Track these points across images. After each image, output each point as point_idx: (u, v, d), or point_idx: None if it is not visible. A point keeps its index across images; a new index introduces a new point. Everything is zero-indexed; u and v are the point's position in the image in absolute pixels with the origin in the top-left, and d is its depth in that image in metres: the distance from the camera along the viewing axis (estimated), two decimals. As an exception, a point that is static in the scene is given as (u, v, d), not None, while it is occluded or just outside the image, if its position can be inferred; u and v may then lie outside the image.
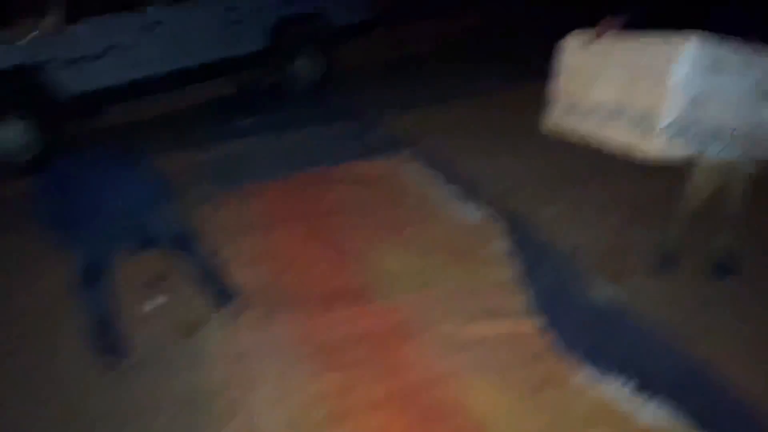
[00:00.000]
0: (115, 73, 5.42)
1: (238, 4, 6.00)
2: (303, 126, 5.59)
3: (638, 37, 2.47)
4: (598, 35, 2.62)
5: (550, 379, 2.46)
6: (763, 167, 2.53)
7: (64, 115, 5.32)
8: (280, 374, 2.60)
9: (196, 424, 2.41)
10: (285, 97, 6.54)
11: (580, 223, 3.55)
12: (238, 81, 6.80)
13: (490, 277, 3.15)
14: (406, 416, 2.34)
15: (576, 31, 2.76)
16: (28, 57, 4.92)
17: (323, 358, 2.67)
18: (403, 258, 3.32)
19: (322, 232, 3.66)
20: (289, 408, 2.42)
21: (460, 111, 5.56)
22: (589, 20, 2.71)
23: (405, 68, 7.33)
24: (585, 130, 2.67)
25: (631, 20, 2.59)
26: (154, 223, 2.68)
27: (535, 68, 3.04)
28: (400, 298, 3.01)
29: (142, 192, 2.65)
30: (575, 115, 2.72)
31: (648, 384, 2.37)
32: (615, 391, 2.38)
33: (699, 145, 2.33)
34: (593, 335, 2.68)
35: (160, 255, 2.88)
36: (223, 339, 2.85)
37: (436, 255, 3.34)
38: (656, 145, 2.30)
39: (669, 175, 2.91)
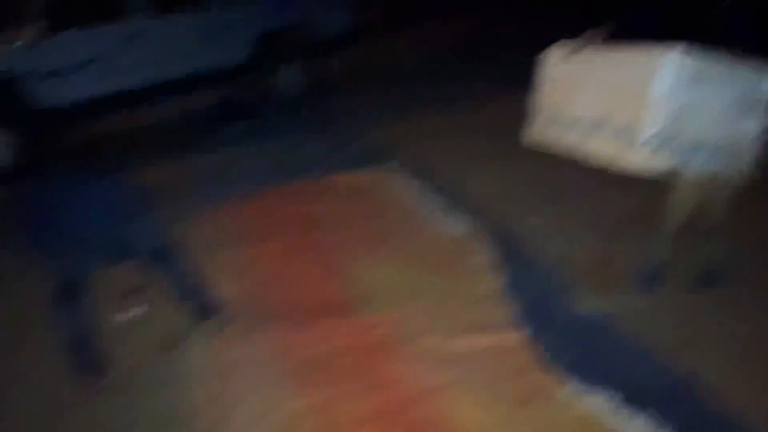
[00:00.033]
0: (97, 84, 5.37)
1: (222, 15, 5.98)
2: (287, 137, 5.56)
3: (621, 48, 2.47)
4: (581, 46, 2.61)
5: (537, 393, 2.44)
6: (744, 179, 2.52)
7: (45, 127, 5.25)
8: (263, 391, 2.55)
9: (176, 443, 2.36)
10: (269, 108, 6.51)
11: (565, 234, 3.56)
12: (221, 93, 6.76)
13: (475, 289, 3.13)
14: (392, 432, 2.30)
15: (559, 42, 2.76)
16: (8, 67, 4.86)
17: (307, 373, 2.63)
18: (387, 271, 3.29)
19: (306, 245, 3.63)
20: (272, 425, 2.37)
21: (444, 122, 5.56)
22: (573, 31, 2.71)
23: (389, 79, 7.33)
24: (567, 143, 2.66)
25: (615, 31, 2.59)
26: (132, 237, 2.64)
27: (520, 78, 3.04)
28: (384, 311, 2.98)
29: (118, 205, 2.61)
30: (557, 127, 2.71)
31: (635, 396, 2.35)
32: (602, 404, 2.36)
33: (681, 157, 2.32)
34: (579, 347, 2.67)
35: (138, 268, 2.82)
36: (204, 355, 2.79)
37: (421, 267, 3.32)
38: (639, 157, 2.29)
39: (652, 186, 2.91)
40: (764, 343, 2.60)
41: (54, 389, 2.64)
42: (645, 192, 3.15)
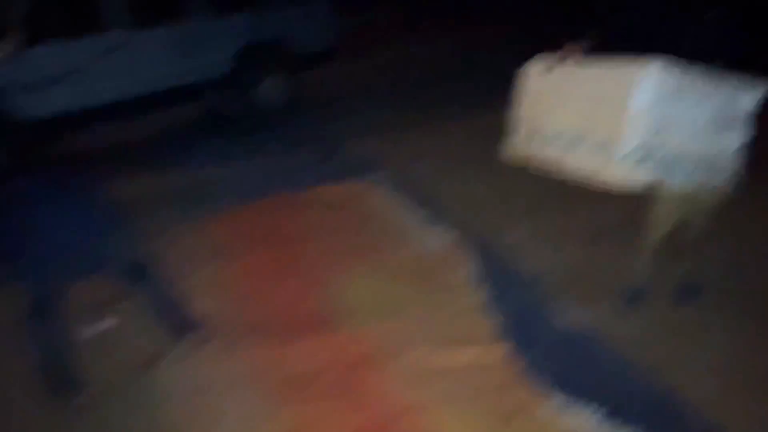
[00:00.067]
0: (75, 98, 5.29)
1: (202, 29, 5.95)
2: (268, 151, 5.53)
3: (601, 62, 2.47)
4: (561, 60, 2.61)
5: (520, 409, 2.42)
6: (724, 193, 2.52)
7: (22, 140, 5.16)
8: (244, 410, 2.50)
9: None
10: (250, 121, 6.47)
11: (546, 248, 3.56)
12: (201, 106, 6.72)
13: (458, 303, 3.11)
14: (374, 451, 2.27)
15: (539, 56, 2.76)
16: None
17: (288, 391, 2.58)
18: (369, 285, 3.27)
19: (287, 259, 3.59)
20: (252, 445, 2.33)
21: (426, 135, 5.57)
22: (554, 44, 2.72)
23: (371, 93, 7.34)
24: (547, 157, 2.65)
25: (595, 45, 2.59)
26: (107, 252, 2.59)
27: (502, 91, 3.04)
28: (366, 327, 2.95)
29: (94, 220, 2.57)
30: (537, 142, 2.70)
31: (617, 411, 2.34)
32: (585, 420, 2.34)
33: (661, 172, 2.31)
34: (562, 362, 2.66)
35: (110, 281, 2.76)
36: (183, 372, 2.73)
37: (403, 282, 3.30)
38: (618, 172, 2.29)
39: (631, 197, 2.92)
40: (744, 356, 2.61)
41: (28, 409, 2.56)
42: (625, 203, 3.16)
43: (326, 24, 6.95)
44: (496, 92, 3.80)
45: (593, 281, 3.19)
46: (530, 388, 2.52)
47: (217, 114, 6.79)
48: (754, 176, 2.62)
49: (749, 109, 2.33)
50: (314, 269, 3.47)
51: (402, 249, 3.65)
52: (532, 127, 2.74)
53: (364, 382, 2.62)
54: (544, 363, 2.63)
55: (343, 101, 7.09)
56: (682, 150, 2.31)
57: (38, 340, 2.49)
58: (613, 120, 2.30)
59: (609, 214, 3.67)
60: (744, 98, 2.32)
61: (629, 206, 3.03)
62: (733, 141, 2.37)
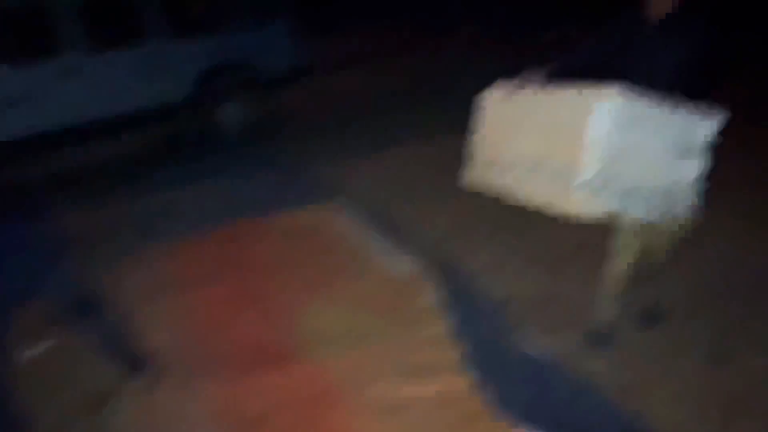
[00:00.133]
0: (29, 123, 5.14)
1: (161, 51, 5.85)
2: (229, 176, 5.44)
3: (559, 89, 2.44)
4: (519, 87, 2.59)
5: (487, 442, 2.36)
6: (685, 223, 2.51)
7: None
8: (199, 451, 2.39)
9: None
10: (212, 146, 6.37)
11: (511, 273, 3.55)
12: (161, 131, 6.59)
13: (423, 332, 3.05)
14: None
15: (497, 83, 2.74)
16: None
17: (247, 429, 2.47)
18: (332, 315, 3.18)
19: (247, 290, 3.48)
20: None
21: (390, 160, 5.55)
22: (514, 70, 2.70)
23: (335, 117, 7.32)
24: (505, 185, 2.61)
25: (554, 71, 2.58)
26: (48, 288, 2.45)
27: (467, 115, 3.02)
28: (329, 359, 2.85)
29: (37, 253, 2.44)
30: (495, 169, 2.66)
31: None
32: (552, 452, 2.30)
33: (619, 201, 2.27)
34: (528, 391, 2.62)
35: (47, 309, 2.61)
36: (135, 412, 2.60)
37: (367, 310, 3.22)
38: (575, 201, 2.24)
39: (595, 224, 2.92)
40: (711, 381, 2.61)
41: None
42: (588, 229, 3.16)
43: (290, 46, 6.93)
44: (462, 115, 3.79)
45: (558, 307, 3.18)
46: (497, 420, 2.46)
47: (177, 139, 6.67)
48: (715, 202, 2.64)
49: (707, 139, 2.32)
50: (274, 300, 3.37)
51: (365, 277, 3.58)
52: (491, 155, 2.71)
53: (327, 417, 2.52)
54: (510, 393, 2.58)
55: (306, 125, 7.06)
56: (639, 179, 2.28)
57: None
58: (570, 148, 2.26)
59: (573, 238, 3.67)
60: (702, 127, 2.31)
61: (593, 231, 3.03)
62: (691, 170, 2.34)
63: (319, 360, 2.86)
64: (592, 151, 2.20)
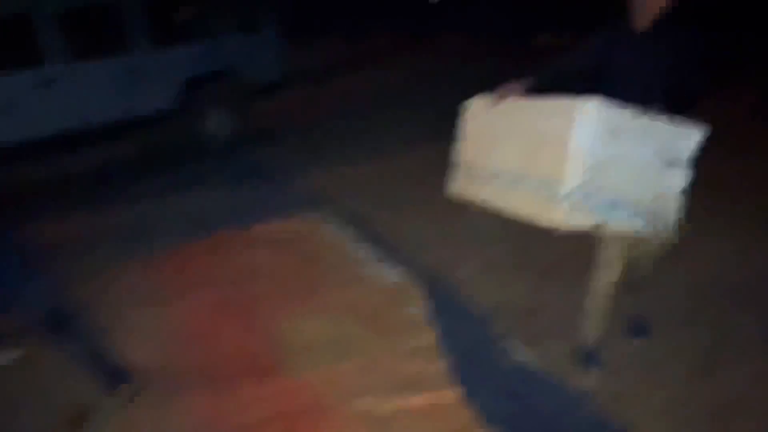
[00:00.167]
0: (8, 132, 5.06)
1: (144, 60, 5.80)
2: (213, 186, 5.38)
3: (540, 100, 2.43)
4: (500, 98, 2.57)
5: (475, 455, 2.33)
6: (670, 235, 2.49)
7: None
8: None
9: None
10: (196, 155, 6.31)
11: (496, 282, 3.53)
12: (144, 141, 6.53)
13: (409, 343, 3.02)
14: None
15: (479, 94, 2.72)
16: None
17: (230, 445, 2.43)
18: (317, 326, 3.14)
19: (231, 301, 3.43)
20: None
21: (376, 170, 5.53)
22: (501, 77, 2.68)
23: (319, 126, 7.29)
24: (487, 197, 2.59)
25: (538, 80, 2.56)
26: (24, 298, 2.38)
27: (451, 124, 3.01)
28: (314, 371, 2.82)
29: (10, 265, 2.37)
30: (478, 181, 2.64)
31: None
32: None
33: (602, 214, 2.25)
34: (514, 403, 2.60)
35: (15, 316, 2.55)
36: (116, 428, 2.54)
37: (352, 322, 3.19)
38: (558, 213, 2.22)
39: (580, 234, 2.91)
40: (696, 390, 2.60)
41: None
42: (574, 238, 3.15)
43: (274, 55, 6.91)
44: (448, 122, 3.78)
45: (545, 317, 3.16)
46: (484, 433, 2.44)
47: (160, 148, 6.61)
48: (701, 213, 2.63)
49: (689, 152, 2.32)
50: (258, 311, 3.32)
51: (351, 286, 3.55)
52: (473, 165, 2.69)
53: (313, 431, 2.48)
54: (497, 405, 2.56)
55: (291, 133, 7.02)
56: (623, 190, 2.26)
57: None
58: (553, 159, 2.25)
59: (560, 247, 3.66)
60: (684, 141, 2.30)
61: (580, 239, 3.02)
62: (676, 183, 2.34)
63: (305, 372, 2.82)
64: (575, 162, 2.18)
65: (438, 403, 2.60)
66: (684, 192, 2.37)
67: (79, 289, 2.86)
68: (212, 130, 6.49)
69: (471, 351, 2.95)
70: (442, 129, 3.46)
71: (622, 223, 2.32)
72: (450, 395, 2.64)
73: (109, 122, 5.68)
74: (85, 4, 5.43)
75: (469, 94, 2.82)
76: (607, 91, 2.27)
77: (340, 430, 2.48)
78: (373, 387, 2.70)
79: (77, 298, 2.67)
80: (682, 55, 2.39)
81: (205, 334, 3.15)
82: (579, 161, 2.18)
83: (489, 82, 2.77)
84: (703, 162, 2.36)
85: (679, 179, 2.34)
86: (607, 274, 2.60)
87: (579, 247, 3.00)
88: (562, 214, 2.22)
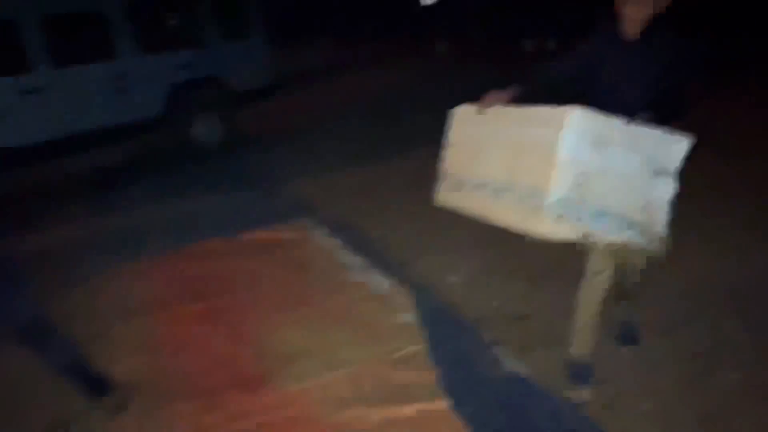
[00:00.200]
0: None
1: (131, 67, 5.76)
2: (200, 194, 5.34)
3: (526, 108, 2.39)
4: (485, 107, 2.53)
5: (464, 466, 2.30)
6: (659, 245, 2.46)
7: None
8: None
9: None
10: (184, 162, 6.27)
11: (486, 290, 3.51)
12: (131, 147, 6.48)
13: (397, 352, 2.99)
14: None
15: (465, 103, 2.69)
16: None
17: (216, 458, 2.38)
18: (305, 336, 3.11)
19: (218, 311, 3.39)
20: None
21: (364, 176, 5.51)
22: (491, 84, 2.66)
23: (307, 132, 7.27)
24: (473, 206, 2.55)
25: (522, 92, 2.53)
26: (6, 307, 2.33)
27: (438, 132, 2.99)
28: (302, 381, 2.78)
29: None
30: (463, 190, 2.61)
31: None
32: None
33: (589, 223, 2.22)
34: (505, 412, 2.56)
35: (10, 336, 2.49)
36: (100, 441, 2.50)
37: (341, 330, 3.16)
38: (544, 223, 2.18)
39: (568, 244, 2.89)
40: (685, 397, 2.59)
41: None
42: (563, 246, 3.14)
43: (263, 61, 6.89)
44: (437, 128, 3.76)
45: (536, 326, 3.14)
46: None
47: (148, 154, 6.56)
48: (701, 213, 2.61)
49: (676, 162, 2.30)
50: (246, 321, 3.28)
51: (340, 294, 3.52)
52: (458, 175, 2.66)
53: (300, 442, 2.45)
54: (486, 415, 2.53)
55: (280, 139, 6.99)
56: (610, 200, 2.23)
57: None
58: (538, 168, 2.22)
59: (550, 255, 3.64)
60: (672, 150, 2.28)
61: (570, 247, 2.99)
62: (663, 193, 2.31)
63: (293, 382, 2.78)
64: (561, 171, 2.15)
65: (426, 413, 2.57)
66: (670, 201, 2.34)
67: (64, 298, 2.81)
68: (200, 137, 6.45)
69: (461, 360, 2.92)
70: (434, 133, 3.43)
71: (609, 233, 2.28)
72: (439, 405, 2.61)
73: (96, 129, 5.63)
74: (73, 11, 5.40)
75: (456, 100, 2.80)
76: (595, 99, 2.25)
77: (329, 442, 2.44)
78: (362, 397, 2.67)
79: (61, 308, 2.61)
80: (672, 62, 2.37)
81: (190, 344, 3.11)
82: (565, 171, 2.15)
83: (476, 88, 2.74)
84: (703, 163, 2.32)
85: (666, 189, 2.31)
86: (595, 285, 2.56)
87: (571, 254, 2.98)
88: (548, 225, 2.18)
